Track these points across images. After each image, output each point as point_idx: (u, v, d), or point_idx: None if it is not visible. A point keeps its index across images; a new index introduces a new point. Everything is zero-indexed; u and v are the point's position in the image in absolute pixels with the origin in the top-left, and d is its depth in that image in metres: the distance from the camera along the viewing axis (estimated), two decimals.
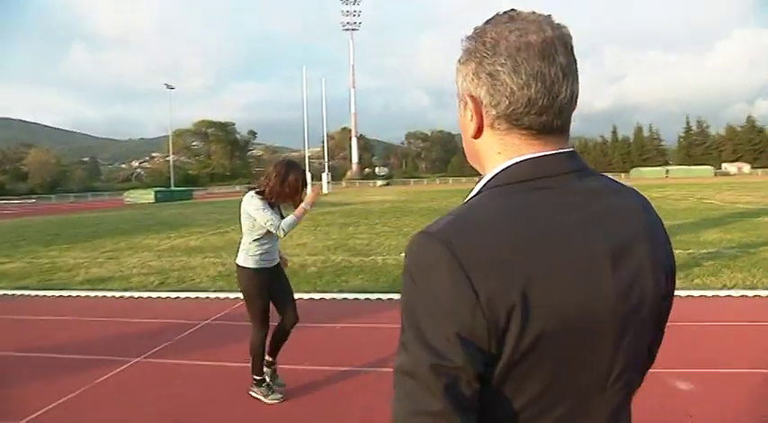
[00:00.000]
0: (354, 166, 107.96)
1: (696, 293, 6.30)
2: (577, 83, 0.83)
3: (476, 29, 0.85)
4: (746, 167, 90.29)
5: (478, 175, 0.90)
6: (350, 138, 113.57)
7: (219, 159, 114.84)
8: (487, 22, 0.85)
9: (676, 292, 0.95)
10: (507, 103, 0.80)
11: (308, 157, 45.53)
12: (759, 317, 5.36)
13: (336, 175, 47.01)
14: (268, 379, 3.81)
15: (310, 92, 48.24)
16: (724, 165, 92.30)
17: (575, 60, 0.83)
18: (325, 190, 42.94)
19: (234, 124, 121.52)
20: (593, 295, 0.76)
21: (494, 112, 0.83)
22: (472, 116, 0.85)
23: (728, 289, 6.49)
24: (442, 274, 0.71)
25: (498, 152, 0.85)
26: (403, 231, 13.88)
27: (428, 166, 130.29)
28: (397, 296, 6.61)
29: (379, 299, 6.60)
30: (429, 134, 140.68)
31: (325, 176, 44.11)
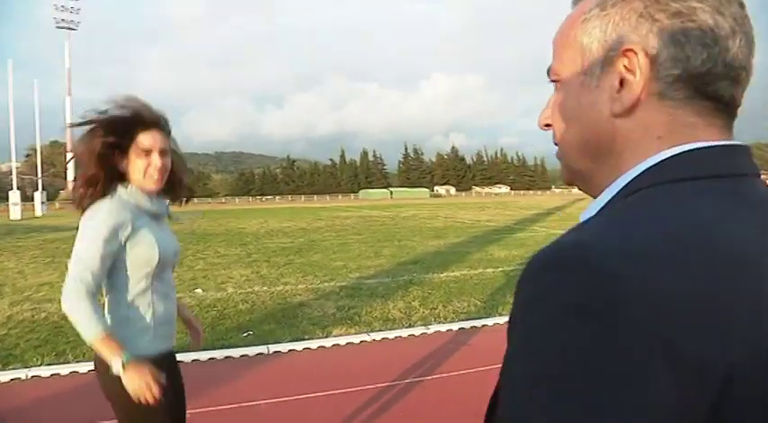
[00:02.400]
0: (71, 185, 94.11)
1: None
2: None
3: None
4: (453, 190, 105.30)
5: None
6: (64, 153, 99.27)
7: None
8: None
9: None
10: (705, 55, 0.55)
11: (16, 173, 37.55)
12: None
13: (49, 195, 39.93)
14: None
15: (11, 97, 39.17)
16: (436, 187, 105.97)
17: None
18: (38, 212, 35.72)
19: None
20: None
21: (676, 72, 0.55)
22: (624, 80, 0.57)
23: None
24: (614, 325, 0.43)
25: (659, 136, 0.57)
26: None
27: None
28: (231, 352, 5.03)
29: (212, 358, 4.83)
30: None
31: (38, 196, 36.76)
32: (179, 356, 4.82)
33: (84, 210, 1.91)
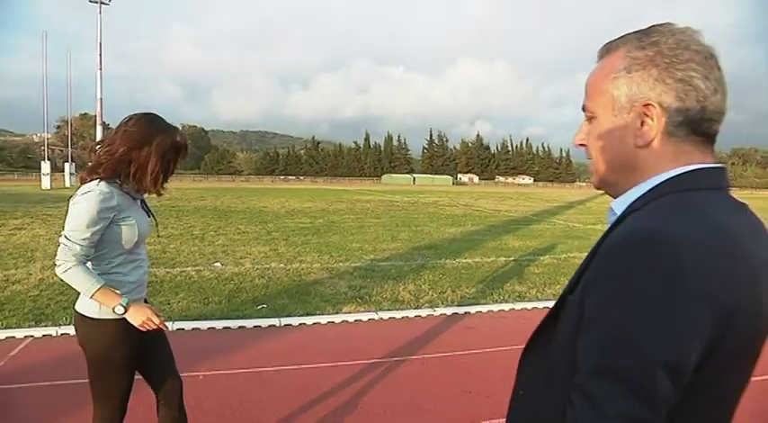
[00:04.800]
0: None
1: None
2: None
3: (641, 38, 0.87)
4: (476, 178, 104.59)
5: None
6: (93, 125, 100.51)
7: None
8: (653, 32, 0.86)
9: None
10: (698, 108, 0.83)
11: (47, 144, 38.54)
12: None
13: (78, 166, 40.47)
14: None
15: (45, 69, 39.65)
16: (459, 175, 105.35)
17: None
18: (67, 182, 36.63)
19: None
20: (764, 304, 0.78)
21: (680, 119, 0.84)
22: (644, 123, 0.86)
23: None
24: (677, 279, 0.71)
25: (670, 159, 0.86)
26: (194, 234, 12.01)
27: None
28: (245, 322, 5.32)
29: (227, 328, 5.11)
30: (179, 128, 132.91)
31: (68, 167, 37.67)
32: (197, 324, 5.15)
33: (84, 181, 2.17)
